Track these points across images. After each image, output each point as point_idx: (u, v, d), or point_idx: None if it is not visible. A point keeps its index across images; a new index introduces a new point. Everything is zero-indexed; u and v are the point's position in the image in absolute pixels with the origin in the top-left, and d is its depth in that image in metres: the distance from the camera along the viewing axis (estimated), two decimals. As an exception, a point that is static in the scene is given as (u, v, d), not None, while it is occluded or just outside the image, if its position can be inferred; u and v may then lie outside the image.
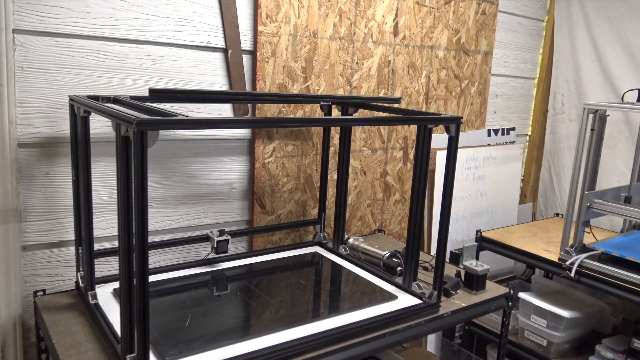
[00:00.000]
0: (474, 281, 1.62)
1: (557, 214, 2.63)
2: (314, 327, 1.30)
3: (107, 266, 1.57)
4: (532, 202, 2.85)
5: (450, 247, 2.32)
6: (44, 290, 1.45)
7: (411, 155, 2.24)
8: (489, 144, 2.53)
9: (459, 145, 2.38)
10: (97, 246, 1.54)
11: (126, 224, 1.31)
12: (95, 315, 1.31)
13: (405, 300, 1.48)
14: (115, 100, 1.37)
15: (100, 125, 1.50)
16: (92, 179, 1.50)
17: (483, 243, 2.21)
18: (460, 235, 2.40)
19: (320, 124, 1.32)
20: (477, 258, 2.24)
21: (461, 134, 2.31)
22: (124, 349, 1.08)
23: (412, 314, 1.41)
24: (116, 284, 1.48)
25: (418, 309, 1.43)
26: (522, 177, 2.83)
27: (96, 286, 1.46)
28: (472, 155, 2.38)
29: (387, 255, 1.74)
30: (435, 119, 1.38)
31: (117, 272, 1.58)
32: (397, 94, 2.12)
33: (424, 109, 2.23)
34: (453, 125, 1.37)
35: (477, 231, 2.21)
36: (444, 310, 1.49)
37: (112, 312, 1.33)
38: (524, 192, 2.84)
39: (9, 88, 1.34)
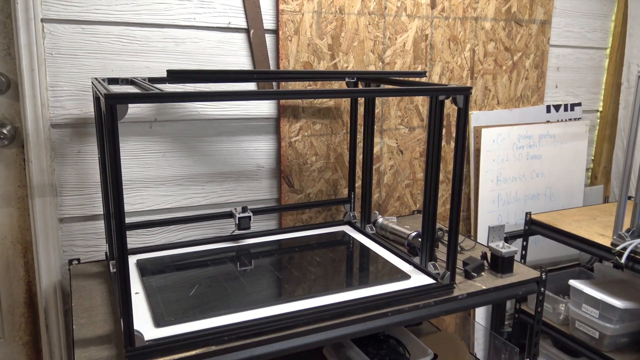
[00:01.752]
0: (499, 263, 1.52)
1: (630, 197, 2.39)
2: (312, 302, 1.29)
3: (135, 239, 1.68)
4: (603, 185, 2.61)
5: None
6: (78, 259, 1.58)
7: (454, 134, 2.14)
8: (548, 121, 2.35)
9: (511, 122, 2.26)
10: (128, 220, 1.65)
11: (106, 201, 1.40)
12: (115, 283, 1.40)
13: (417, 280, 1.43)
14: (132, 81, 1.45)
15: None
16: (121, 157, 1.61)
17: (533, 227, 2.06)
18: (512, 218, 2.26)
19: (322, 96, 1.31)
20: (526, 242, 2.10)
21: (514, 111, 2.18)
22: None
23: (420, 293, 1.36)
24: (140, 256, 1.58)
25: (428, 289, 1.38)
26: (593, 157, 2.60)
27: (123, 257, 1.57)
28: (525, 133, 2.23)
29: (413, 235, 1.69)
30: (442, 90, 1.31)
31: (144, 244, 1.69)
32: (437, 70, 2.03)
33: (469, 84, 2.11)
34: (460, 96, 1.29)
35: (527, 214, 2.07)
36: (459, 292, 1.42)
37: (131, 281, 1.42)
38: (595, 174, 2.61)
39: (40, 73, 1.46)
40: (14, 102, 1.52)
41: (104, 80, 1.43)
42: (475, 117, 2.15)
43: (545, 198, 2.34)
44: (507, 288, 1.49)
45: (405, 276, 1.46)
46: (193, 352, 1.12)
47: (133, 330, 1.08)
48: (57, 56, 1.49)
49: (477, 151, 2.14)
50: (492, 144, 2.15)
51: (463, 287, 1.45)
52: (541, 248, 2.36)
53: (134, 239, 1.68)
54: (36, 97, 1.47)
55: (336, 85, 1.84)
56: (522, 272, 1.56)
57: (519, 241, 2.13)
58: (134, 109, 1.60)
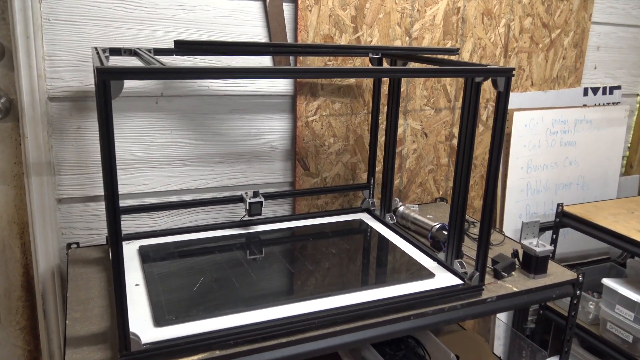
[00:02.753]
0: (531, 263, 1.39)
1: (669, 189, 2.23)
2: (327, 302, 1.18)
3: (140, 222, 1.57)
4: (639, 175, 2.45)
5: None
6: (77, 243, 1.48)
7: (484, 117, 1.99)
8: (584, 105, 2.18)
9: (545, 105, 2.09)
10: (132, 202, 1.54)
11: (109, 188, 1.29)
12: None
13: (443, 280, 1.31)
14: (136, 52, 1.31)
15: (132, 80, 1.46)
16: (124, 135, 1.49)
17: (564, 219, 1.92)
18: (541, 208, 2.12)
19: (344, 75, 1.18)
20: (556, 235, 1.96)
21: (549, 93, 2.02)
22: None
23: (446, 295, 1.24)
24: (144, 241, 1.47)
25: (454, 290, 1.26)
26: (630, 145, 2.43)
27: (125, 242, 1.46)
28: (560, 118, 2.07)
29: (437, 227, 1.56)
30: (480, 70, 1.16)
31: (148, 228, 1.58)
32: (468, 47, 1.86)
33: (501, 64, 1.95)
34: (502, 78, 1.14)
35: (558, 205, 1.93)
36: (488, 294, 1.30)
37: (131, 269, 1.32)
38: (630, 163, 2.44)
39: (36, 41, 1.33)
40: (8, 72, 1.40)
41: (104, 50, 1.30)
42: (507, 99, 1.99)
43: (577, 188, 2.19)
44: (540, 290, 1.36)
45: (428, 274, 1.33)
46: (195, 357, 1.02)
47: (129, 334, 0.97)
48: (55, 22, 1.36)
49: (508, 136, 1.99)
50: (524, 128, 2.00)
51: (492, 288, 1.33)
52: (568, 240, 2.22)
53: (137, 222, 1.57)
54: (32, 67, 1.34)
55: (358, 61, 1.69)
56: (556, 273, 1.43)
57: (549, 234, 1.99)
58: (138, 83, 1.47)
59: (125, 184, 1.53)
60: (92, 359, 1.01)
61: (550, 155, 2.08)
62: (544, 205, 2.12)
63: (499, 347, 2.09)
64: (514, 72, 1.13)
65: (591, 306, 1.91)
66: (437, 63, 1.40)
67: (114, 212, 0.90)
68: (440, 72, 1.18)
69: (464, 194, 1.30)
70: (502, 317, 2.11)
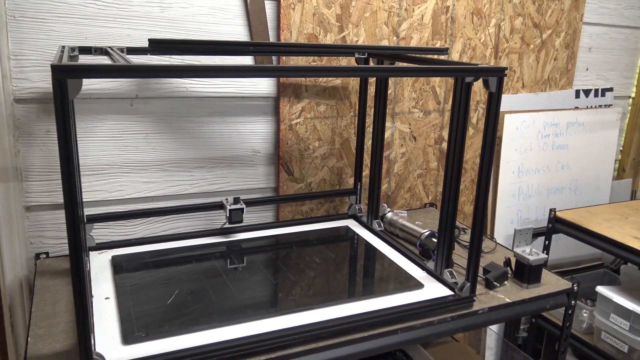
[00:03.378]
0: (525, 272, 1.33)
1: (662, 194, 2.19)
2: (310, 316, 1.11)
3: (114, 231, 1.49)
4: (632, 178, 2.40)
5: (518, 227, 2.00)
6: (47, 253, 1.39)
7: (474, 119, 1.93)
8: (576, 107, 2.13)
9: (536, 107, 2.04)
10: (106, 210, 1.47)
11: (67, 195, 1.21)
12: (82, 284, 1.22)
13: (432, 291, 1.24)
14: (107, 52, 1.24)
15: (103, 80, 1.38)
16: (97, 138, 1.42)
17: (557, 225, 1.87)
18: (533, 214, 2.06)
19: (328, 74, 1.11)
20: (549, 242, 1.91)
21: (541, 95, 1.97)
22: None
23: (435, 308, 1.18)
24: (117, 251, 1.39)
25: (444, 302, 1.19)
26: (622, 148, 2.38)
27: (97, 252, 1.38)
28: (552, 120, 2.01)
29: (427, 234, 1.49)
30: (470, 70, 1.10)
31: (124, 237, 1.51)
32: (458, 47, 1.81)
33: (492, 65, 1.89)
34: (493, 78, 1.08)
35: (551, 210, 1.87)
36: (480, 305, 1.23)
37: (101, 281, 1.24)
38: (622, 166, 2.39)
39: (0, 39, 1.25)
40: (-28, 72, 1.32)
41: (73, 49, 1.23)
42: (498, 102, 1.93)
43: (569, 192, 2.13)
44: (534, 301, 1.30)
45: (417, 285, 1.27)
46: (165, 378, 0.94)
47: (92, 355, 0.89)
48: (21, 19, 1.28)
49: (499, 139, 1.93)
50: (515, 131, 1.94)
51: (484, 299, 1.26)
52: (561, 246, 2.17)
53: (112, 231, 1.49)
54: (-4, 67, 1.26)
55: (344, 61, 1.63)
56: (550, 282, 1.37)
57: (541, 240, 1.94)
58: (111, 84, 1.39)
59: (99, 190, 1.45)
60: (52, 382, 0.93)
61: (542, 159, 2.03)
62: (536, 211, 2.07)
63: (490, 358, 2.03)
64: (506, 72, 1.08)
65: (585, 315, 1.85)
66: (426, 63, 1.34)
67: (74, 224, 0.82)
68: (430, 72, 1.12)
69: (454, 200, 1.24)
70: (493, 327, 2.05)
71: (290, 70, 1.20)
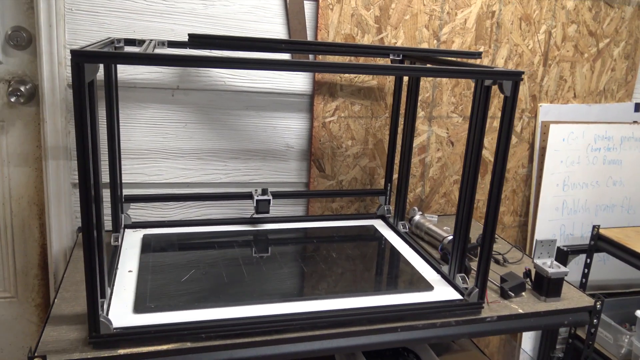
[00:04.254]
0: (543, 285, 1.29)
1: None
2: (309, 305, 1.14)
3: (152, 212, 1.59)
4: (698, 201, 2.23)
5: (560, 244, 1.92)
6: (88, 227, 1.52)
7: (518, 128, 1.88)
8: (635, 122, 2.01)
9: (588, 119, 1.95)
10: (144, 192, 1.57)
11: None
12: (112, 257, 1.32)
13: (441, 294, 1.24)
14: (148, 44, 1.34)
15: (147, 71, 1.49)
16: (139, 125, 1.52)
17: (600, 243, 1.78)
18: (578, 230, 1.98)
19: (347, 71, 1.14)
20: (590, 260, 1.82)
21: (594, 107, 1.90)
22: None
23: (439, 310, 1.17)
24: (150, 230, 1.49)
25: (449, 306, 1.18)
26: (689, 168, 2.22)
27: (132, 230, 1.49)
28: (604, 134, 1.92)
29: (449, 239, 1.48)
30: (486, 72, 1.08)
31: (159, 219, 1.61)
32: (503, 53, 1.77)
33: (539, 73, 1.84)
34: (508, 82, 1.07)
35: (594, 227, 1.79)
36: (489, 313, 1.21)
37: (128, 257, 1.34)
38: (688, 187, 2.23)
39: (58, 30, 1.39)
40: (34, 59, 1.46)
41: (119, 40, 1.33)
42: (545, 111, 1.87)
43: (621, 210, 2.02)
44: (550, 315, 1.26)
45: (427, 287, 1.27)
46: (164, 347, 1.01)
47: (98, 317, 0.98)
48: (77, 12, 1.41)
49: (543, 149, 1.87)
50: (561, 142, 1.87)
51: (495, 307, 1.24)
52: (610, 267, 2.05)
53: (149, 212, 1.60)
54: (53, 55, 1.40)
55: (381, 63, 1.65)
56: (572, 298, 1.31)
57: (582, 257, 1.85)
58: (154, 75, 1.50)
59: (139, 173, 1.56)
60: (65, 338, 1.02)
61: (590, 173, 1.94)
62: (582, 227, 1.98)
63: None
64: (522, 77, 1.05)
65: (625, 340, 1.75)
66: (455, 66, 1.34)
67: (87, 199, 0.91)
68: (445, 72, 1.12)
69: (470, 204, 1.23)
70: (527, 348, 1.98)
71: (319, 65, 1.23)
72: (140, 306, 1.10)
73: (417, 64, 1.46)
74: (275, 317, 1.09)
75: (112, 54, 0.88)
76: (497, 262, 1.49)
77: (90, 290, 0.96)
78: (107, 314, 1.06)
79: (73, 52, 0.84)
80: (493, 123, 1.84)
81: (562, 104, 1.90)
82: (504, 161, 1.13)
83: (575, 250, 1.83)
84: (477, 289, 1.19)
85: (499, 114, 1.80)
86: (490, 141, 1.85)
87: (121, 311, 1.09)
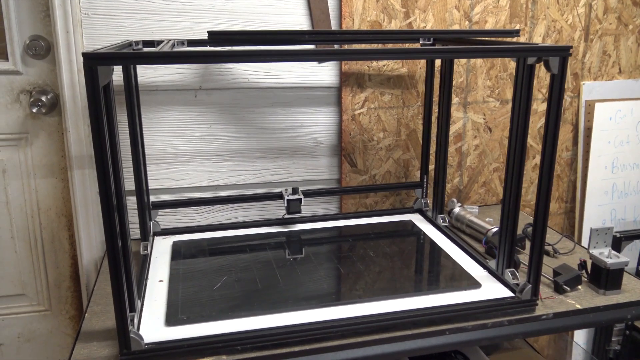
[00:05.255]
0: (601, 277, 1.19)
1: None
2: (349, 310, 1.07)
3: (180, 218, 1.55)
4: None
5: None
6: (118, 237, 1.48)
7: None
8: (687, 95, 1.87)
9: (636, 95, 1.82)
10: (171, 197, 1.53)
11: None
12: (142, 267, 1.28)
13: (490, 291, 1.15)
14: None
15: (168, 73, 1.44)
16: (163, 129, 1.48)
17: (656, 227, 1.66)
18: (630, 214, 1.85)
19: (376, 57, 1.07)
20: (646, 245, 1.70)
21: (640, 82, 1.76)
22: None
23: (490, 309, 1.09)
24: (180, 237, 1.45)
25: (501, 304, 1.10)
26: None
27: (162, 237, 1.45)
28: (654, 110, 1.79)
29: (493, 231, 1.39)
30: (530, 49, 0.99)
31: (189, 224, 1.56)
32: (540, 30, 1.66)
33: (580, 49, 1.72)
34: (555, 58, 0.97)
35: (649, 210, 1.67)
36: (544, 310, 1.12)
37: (159, 265, 1.29)
38: None
39: (75, 35, 1.35)
40: (54, 68, 1.43)
41: (137, 42, 1.29)
42: (589, 89, 1.75)
43: (676, 191, 1.88)
44: (610, 309, 1.16)
45: (474, 284, 1.18)
46: (199, 361, 0.96)
47: (128, 332, 0.93)
48: (94, 17, 1.37)
49: (588, 130, 1.75)
50: (608, 122, 1.75)
51: (550, 304, 1.15)
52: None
53: (177, 217, 1.55)
54: (72, 62, 1.36)
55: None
56: (634, 289, 1.21)
57: (637, 243, 1.73)
58: (176, 76, 1.45)
59: (165, 178, 1.51)
60: (97, 356, 0.98)
61: (641, 152, 1.81)
62: (634, 210, 1.85)
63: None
64: (570, 51, 0.96)
65: (689, 330, 1.62)
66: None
67: (108, 209, 0.86)
68: (484, 52, 1.03)
69: (516, 193, 1.14)
70: (579, 341, 1.87)
71: (347, 53, 1.16)
72: (172, 318, 1.05)
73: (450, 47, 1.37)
74: (314, 324, 1.02)
75: (126, 55, 0.83)
76: (547, 253, 1.39)
77: (118, 305, 0.91)
78: (138, 328, 1.01)
79: (85, 55, 0.79)
80: (533, 105, 1.73)
81: (606, 81, 1.78)
82: (554, 145, 1.04)
83: (630, 236, 1.71)
84: (529, 285, 1.10)
85: (538, 96, 1.69)
86: (530, 125, 1.74)
87: (153, 324, 1.04)
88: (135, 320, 1.01)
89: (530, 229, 1.43)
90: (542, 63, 1.00)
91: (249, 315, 1.06)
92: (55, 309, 1.60)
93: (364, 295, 1.13)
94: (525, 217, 1.64)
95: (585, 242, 1.75)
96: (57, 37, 1.34)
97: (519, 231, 1.43)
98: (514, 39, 1.41)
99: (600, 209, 1.81)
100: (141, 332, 1.00)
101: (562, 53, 0.96)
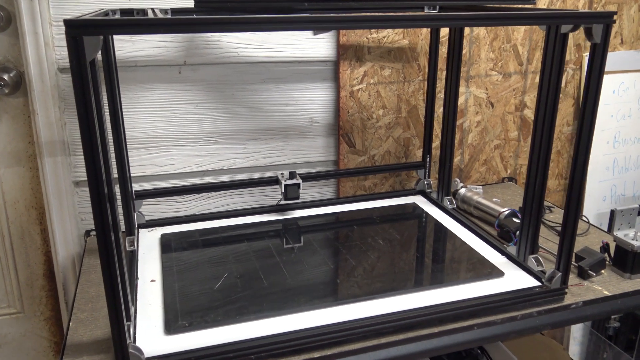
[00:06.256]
0: (627, 260, 1.12)
1: None
2: (370, 307, 0.98)
3: (166, 207, 1.41)
4: None
5: (612, 205, 1.76)
6: (97, 230, 1.34)
7: (562, 82, 1.69)
8: (686, 66, 1.82)
9: (638, 67, 1.76)
10: (156, 185, 1.39)
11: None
12: (130, 265, 1.14)
13: (514, 280, 1.07)
14: (147, 13, 1.13)
15: (148, 47, 1.29)
16: (145, 109, 1.33)
17: (661, 202, 1.61)
18: (629, 189, 1.81)
19: (389, 25, 0.96)
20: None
21: (641, 52, 1.69)
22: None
23: (519, 301, 1.01)
24: (167, 228, 1.31)
25: (530, 295, 1.02)
26: None
27: (148, 230, 1.31)
28: (656, 82, 1.73)
29: (507, 213, 1.31)
30: (568, 16, 0.89)
31: (176, 213, 1.43)
32: (544, -2, 1.57)
33: (584, 18, 1.64)
34: (598, 26, 0.87)
35: (654, 186, 1.62)
36: (572, 299, 1.05)
37: (149, 262, 1.16)
38: None
39: (41, 4, 1.18)
40: (16, 41, 1.25)
41: (114, 11, 1.13)
42: (591, 61, 1.68)
43: (674, 164, 1.85)
44: (638, 294, 1.09)
45: (497, 273, 1.10)
46: (208, 375, 0.85)
47: (126, 346, 0.81)
48: (61, -18, 1.20)
49: (591, 104, 1.68)
50: (611, 95, 1.69)
51: (576, 291, 1.08)
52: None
53: (163, 207, 1.42)
54: (38, 34, 1.19)
55: (412, 18, 1.44)
56: (658, 272, 1.15)
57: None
58: (157, 50, 1.30)
59: (148, 164, 1.37)
60: (88, 374, 0.85)
61: (643, 126, 1.76)
62: (634, 186, 1.81)
63: (574, 347, 1.83)
64: (615, 18, 0.87)
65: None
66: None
67: (99, 202, 0.73)
68: (516, 19, 0.92)
69: (543, 175, 1.05)
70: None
71: (345, 21, 1.04)
72: (172, 325, 0.93)
73: (460, 15, 1.26)
74: (334, 326, 0.92)
75: (121, 22, 0.69)
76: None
77: (114, 315, 0.79)
78: (135, 339, 0.89)
79: (68, 22, 0.64)
80: (535, 79, 1.65)
81: (609, 52, 1.71)
82: (592, 123, 0.95)
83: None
84: (559, 273, 1.02)
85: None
86: (532, 99, 1.66)
87: (150, 333, 0.92)
88: (131, 331, 0.89)
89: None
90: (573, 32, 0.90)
91: (259, 318, 0.95)
92: (29, 311, 1.46)
93: (382, 289, 1.04)
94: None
95: (587, 215, 1.69)
96: (18, 6, 1.17)
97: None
98: (530, 6, 1.31)
99: (601, 185, 1.76)
100: (138, 343, 0.88)
101: (607, 20, 0.87)
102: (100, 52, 1.09)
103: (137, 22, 0.70)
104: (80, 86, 0.67)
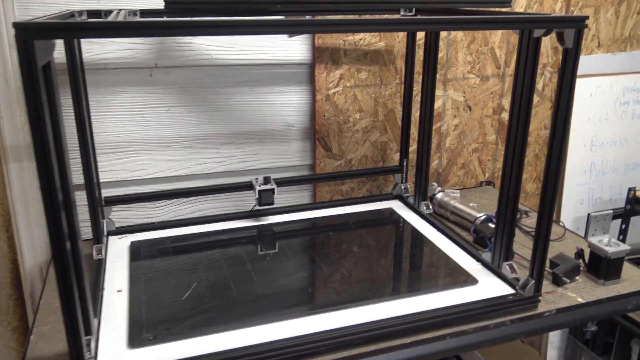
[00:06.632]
0: (601, 266, 1.12)
1: None
2: (343, 317, 0.96)
3: (137, 213, 1.38)
4: None
5: (589, 209, 1.76)
6: (65, 237, 1.30)
7: (540, 85, 1.69)
8: (663, 70, 1.83)
9: (614, 70, 1.76)
10: (127, 190, 1.36)
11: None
12: (96, 275, 1.11)
13: (488, 288, 1.06)
14: (117, 15, 1.10)
15: (118, 49, 1.26)
16: (114, 113, 1.30)
17: (637, 206, 1.62)
18: (607, 192, 1.81)
19: (364, 29, 0.93)
20: (626, 226, 1.66)
21: (620, 56, 1.71)
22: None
23: (492, 309, 0.99)
24: (138, 236, 1.28)
25: (503, 303, 1.01)
26: None
27: (118, 237, 1.28)
28: (633, 85, 1.74)
29: (482, 218, 1.30)
30: (540, 20, 0.88)
31: (148, 220, 1.40)
32: (521, 1, 1.56)
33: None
34: (570, 30, 0.86)
35: (630, 189, 1.63)
36: (546, 306, 1.04)
37: (116, 271, 1.13)
38: None
39: (4, 3, 1.14)
40: (-21, 43, 1.21)
41: (81, 12, 1.10)
42: (568, 64, 1.68)
43: (651, 168, 1.86)
44: (612, 301, 1.09)
45: (470, 280, 1.09)
46: (172, 390, 0.82)
47: (85, 363, 0.78)
48: (26, -18, 1.16)
49: (568, 108, 1.68)
50: (588, 98, 1.69)
51: (550, 298, 1.07)
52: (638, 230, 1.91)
53: (134, 213, 1.38)
54: (2, 35, 1.16)
55: (388, 21, 1.43)
56: (632, 278, 1.15)
57: (617, 223, 1.69)
58: (128, 52, 1.26)
59: (118, 169, 1.34)
60: (47, 391, 0.82)
61: (619, 129, 1.76)
62: (611, 189, 1.82)
63: (552, 352, 1.83)
64: (586, 23, 0.86)
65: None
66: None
67: (52, 206, 0.70)
68: (489, 24, 0.91)
69: (517, 179, 1.04)
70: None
71: (319, 25, 1.02)
72: (135, 338, 0.90)
73: (435, 19, 1.25)
74: (302, 338, 0.90)
75: (70, 26, 0.66)
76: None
77: (70, 329, 0.76)
78: (96, 354, 0.86)
79: (17, 25, 0.62)
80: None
81: (585, 55, 1.71)
82: (565, 128, 0.94)
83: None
84: (533, 281, 1.01)
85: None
86: (510, 102, 1.65)
87: (113, 347, 0.89)
88: (92, 344, 0.86)
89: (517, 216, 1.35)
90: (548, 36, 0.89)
91: (226, 330, 0.92)
92: (-5, 320, 1.41)
93: (354, 298, 1.02)
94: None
95: (566, 223, 1.69)
96: (-20, 7, 1.13)
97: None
98: (505, 9, 1.30)
99: (578, 188, 1.76)
100: (100, 358, 0.85)
101: (578, 24, 0.86)
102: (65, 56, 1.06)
103: (89, 26, 0.67)
104: (31, 90, 0.64)
